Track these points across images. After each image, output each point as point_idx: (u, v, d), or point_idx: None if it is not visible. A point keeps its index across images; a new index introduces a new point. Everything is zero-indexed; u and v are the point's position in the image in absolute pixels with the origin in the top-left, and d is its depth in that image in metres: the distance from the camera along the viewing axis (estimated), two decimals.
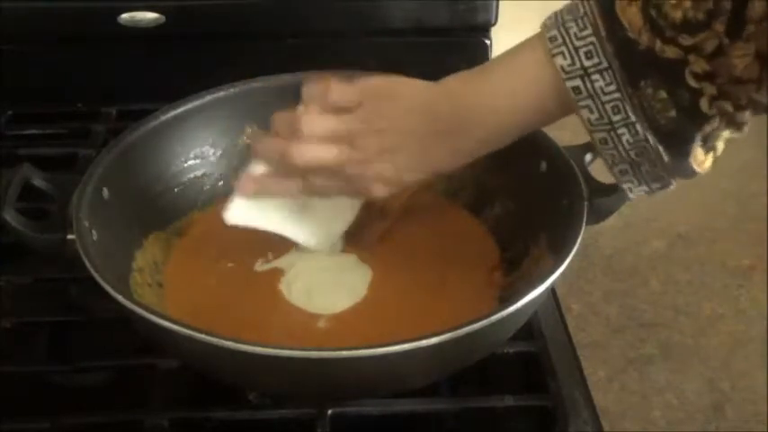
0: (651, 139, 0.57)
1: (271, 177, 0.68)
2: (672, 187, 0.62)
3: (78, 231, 0.64)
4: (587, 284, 1.29)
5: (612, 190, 0.66)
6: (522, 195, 0.76)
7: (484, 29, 1.01)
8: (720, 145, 0.59)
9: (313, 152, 0.64)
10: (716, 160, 0.60)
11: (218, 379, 0.64)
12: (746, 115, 0.56)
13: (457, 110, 0.62)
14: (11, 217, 0.66)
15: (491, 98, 0.61)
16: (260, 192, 0.68)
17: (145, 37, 0.97)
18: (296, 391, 0.64)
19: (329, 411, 0.64)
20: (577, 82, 0.57)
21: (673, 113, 0.56)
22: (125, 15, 0.96)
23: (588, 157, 0.71)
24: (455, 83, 0.63)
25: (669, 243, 1.36)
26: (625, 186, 0.62)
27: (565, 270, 0.62)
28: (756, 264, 1.33)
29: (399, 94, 0.64)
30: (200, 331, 0.57)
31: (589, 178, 0.70)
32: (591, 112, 0.57)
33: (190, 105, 0.78)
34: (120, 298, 0.60)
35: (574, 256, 0.63)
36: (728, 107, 0.55)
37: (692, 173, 0.59)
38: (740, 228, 1.39)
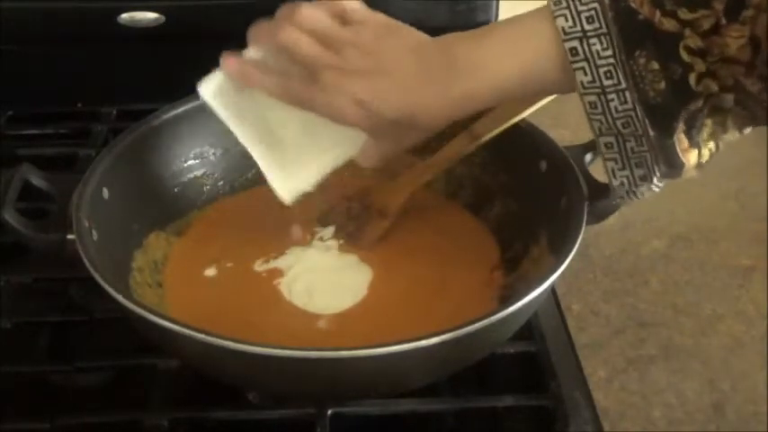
0: (638, 109, 0.58)
1: (255, 66, 0.67)
2: (655, 182, 0.61)
3: (78, 231, 0.64)
4: (587, 284, 1.30)
5: None
6: (522, 195, 0.76)
7: None
8: (706, 151, 0.60)
9: (297, 37, 0.64)
10: (700, 165, 0.60)
11: (218, 379, 0.64)
12: (730, 99, 0.57)
13: (450, 57, 0.62)
14: (11, 217, 0.66)
15: (486, 50, 0.62)
16: (239, 73, 0.67)
17: (145, 37, 0.97)
18: (296, 391, 0.64)
19: (329, 411, 0.64)
20: (575, 43, 0.58)
21: (662, 86, 0.57)
22: (125, 15, 0.96)
23: (588, 157, 0.71)
24: (455, 36, 0.64)
25: (669, 243, 1.37)
26: (609, 165, 0.62)
27: (565, 270, 0.62)
28: (756, 264, 1.33)
29: (400, 32, 0.65)
30: (200, 331, 0.57)
31: (589, 178, 0.70)
32: (585, 74, 0.58)
33: (190, 105, 0.78)
34: (120, 298, 0.60)
35: (574, 256, 0.63)
36: (714, 86, 0.56)
37: (679, 162, 0.60)
38: (740, 228, 1.39)
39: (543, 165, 0.73)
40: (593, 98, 0.59)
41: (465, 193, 0.80)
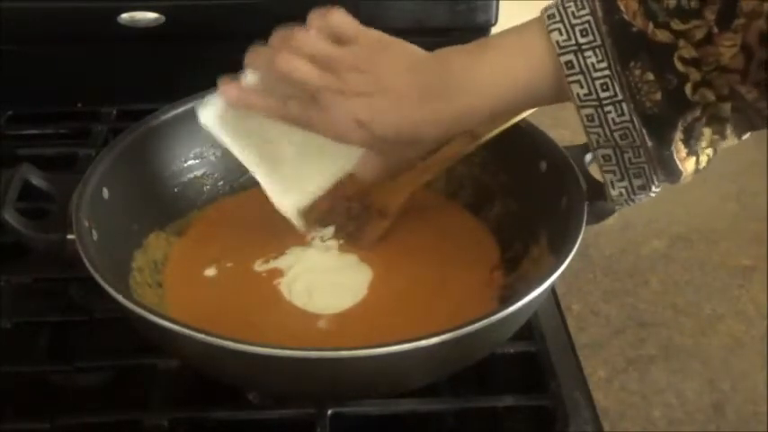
0: (636, 120, 0.58)
1: (254, 92, 0.67)
2: (653, 190, 0.62)
3: (78, 231, 0.64)
4: (587, 284, 1.30)
5: None
6: (522, 195, 0.76)
7: (484, 29, 1.01)
8: (704, 158, 0.60)
9: (296, 63, 0.64)
10: (698, 170, 0.61)
11: (218, 379, 0.64)
12: (727, 108, 0.57)
13: (447, 73, 0.62)
14: (11, 217, 0.66)
15: (483, 66, 0.62)
16: (240, 100, 0.67)
17: (145, 37, 0.97)
18: (296, 391, 0.64)
19: (329, 411, 0.64)
20: (570, 57, 0.58)
21: (658, 96, 0.57)
22: (125, 15, 0.96)
23: (588, 157, 0.71)
24: (450, 51, 0.64)
25: (669, 243, 1.37)
26: (607, 177, 0.63)
27: (565, 270, 0.62)
28: (756, 264, 1.33)
29: (395, 48, 0.65)
30: (200, 331, 0.57)
31: (589, 178, 0.70)
32: (581, 87, 0.59)
33: (190, 105, 0.78)
34: (120, 298, 0.60)
35: (574, 256, 0.63)
36: (711, 96, 0.56)
37: (677, 171, 0.60)
38: (740, 228, 1.39)
39: (543, 165, 0.73)
40: (590, 111, 0.59)
41: (465, 193, 0.80)
